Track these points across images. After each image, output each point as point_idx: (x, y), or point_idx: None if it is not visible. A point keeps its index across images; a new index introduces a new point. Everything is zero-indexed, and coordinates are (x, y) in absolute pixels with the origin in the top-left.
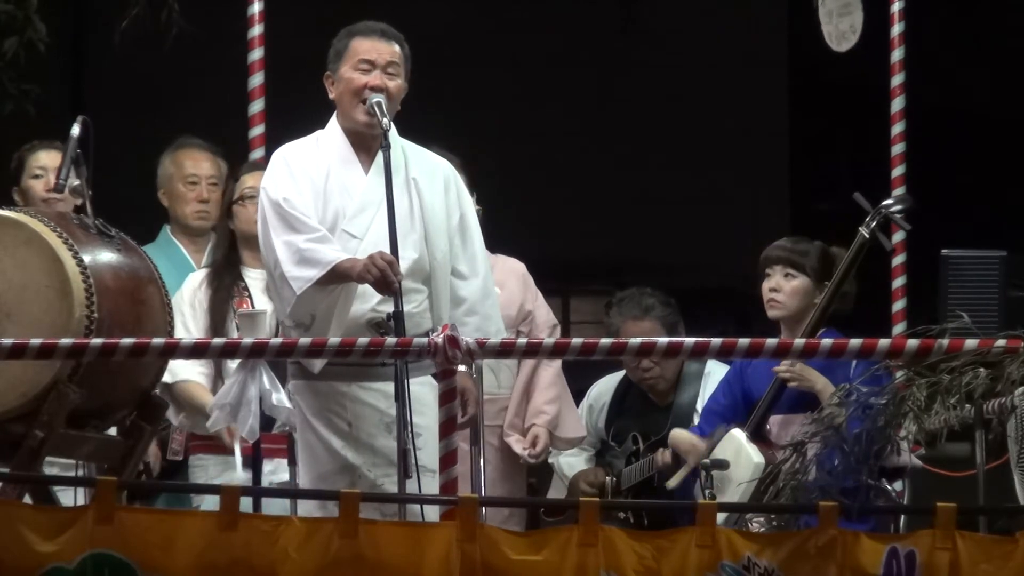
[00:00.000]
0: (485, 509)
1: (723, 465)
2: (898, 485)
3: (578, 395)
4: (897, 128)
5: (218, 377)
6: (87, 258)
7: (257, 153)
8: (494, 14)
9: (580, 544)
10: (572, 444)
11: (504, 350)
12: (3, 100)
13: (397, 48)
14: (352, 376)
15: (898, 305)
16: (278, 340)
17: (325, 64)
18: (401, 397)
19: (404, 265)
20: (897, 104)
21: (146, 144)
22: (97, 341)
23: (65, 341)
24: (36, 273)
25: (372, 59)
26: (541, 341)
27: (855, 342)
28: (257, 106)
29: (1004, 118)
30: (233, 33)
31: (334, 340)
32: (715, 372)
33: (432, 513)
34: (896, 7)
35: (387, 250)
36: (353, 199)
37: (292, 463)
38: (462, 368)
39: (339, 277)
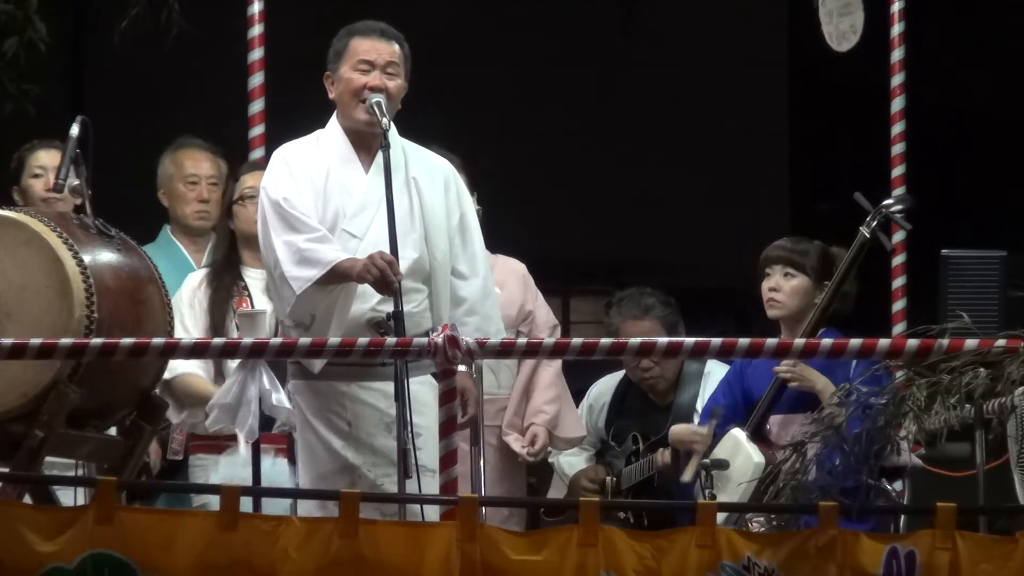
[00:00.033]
0: (485, 509)
1: (723, 465)
2: (898, 485)
3: (578, 395)
4: (897, 128)
5: (218, 376)
6: (87, 258)
7: (257, 153)
8: (494, 14)
9: (580, 544)
10: (571, 444)
11: (504, 350)
12: (3, 100)
13: (396, 48)
14: (352, 376)
15: (898, 305)
16: (278, 340)
17: (325, 64)
18: (401, 397)
19: (404, 265)
20: (897, 104)
21: (146, 144)
22: (97, 341)
23: (65, 341)
24: (36, 273)
25: (371, 59)
26: (541, 341)
27: (855, 342)
28: (257, 106)
29: (1004, 118)
30: (233, 33)
31: (334, 340)
32: (715, 372)
33: (432, 513)
34: (896, 7)
35: (387, 250)
36: (353, 198)
37: (292, 463)
38: (462, 368)
39: (339, 277)
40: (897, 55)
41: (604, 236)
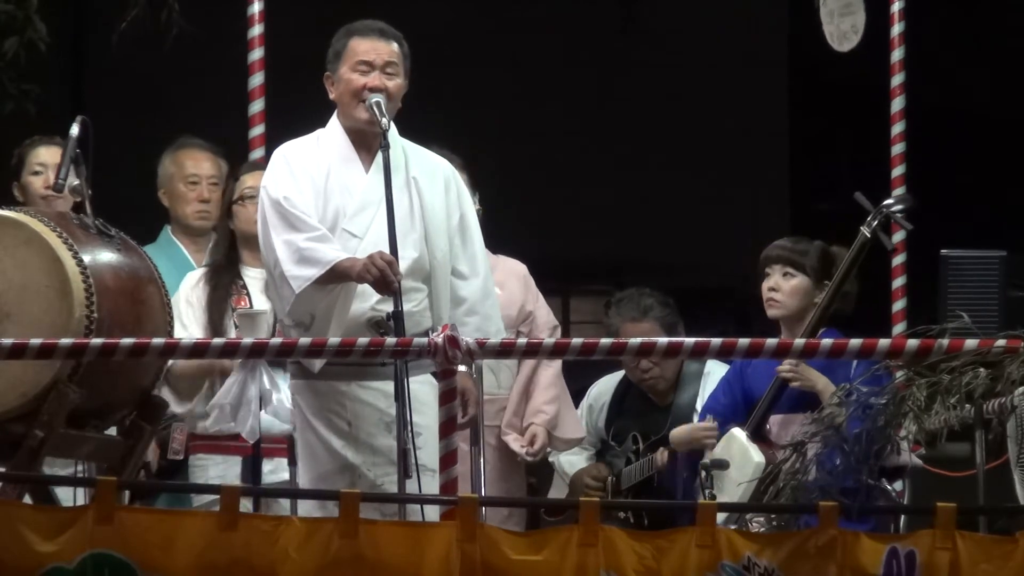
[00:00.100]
0: (485, 509)
1: (723, 465)
2: (898, 485)
3: (578, 395)
4: (897, 128)
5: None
6: (87, 258)
7: (257, 153)
8: (494, 14)
9: (580, 544)
10: (571, 445)
11: (504, 350)
12: (3, 100)
13: (396, 47)
14: (352, 375)
15: (898, 305)
16: (278, 340)
17: (325, 64)
18: (401, 397)
19: (404, 264)
20: (897, 104)
21: (146, 144)
22: (97, 341)
23: (65, 341)
24: (36, 273)
25: (370, 60)
26: (541, 341)
27: (855, 342)
28: (257, 106)
29: (1004, 118)
30: (233, 33)
31: (334, 340)
32: (715, 372)
33: (432, 513)
34: (896, 7)
35: (387, 249)
36: (353, 198)
37: (292, 463)
38: (462, 368)
39: (339, 276)
40: (897, 55)
41: (604, 236)
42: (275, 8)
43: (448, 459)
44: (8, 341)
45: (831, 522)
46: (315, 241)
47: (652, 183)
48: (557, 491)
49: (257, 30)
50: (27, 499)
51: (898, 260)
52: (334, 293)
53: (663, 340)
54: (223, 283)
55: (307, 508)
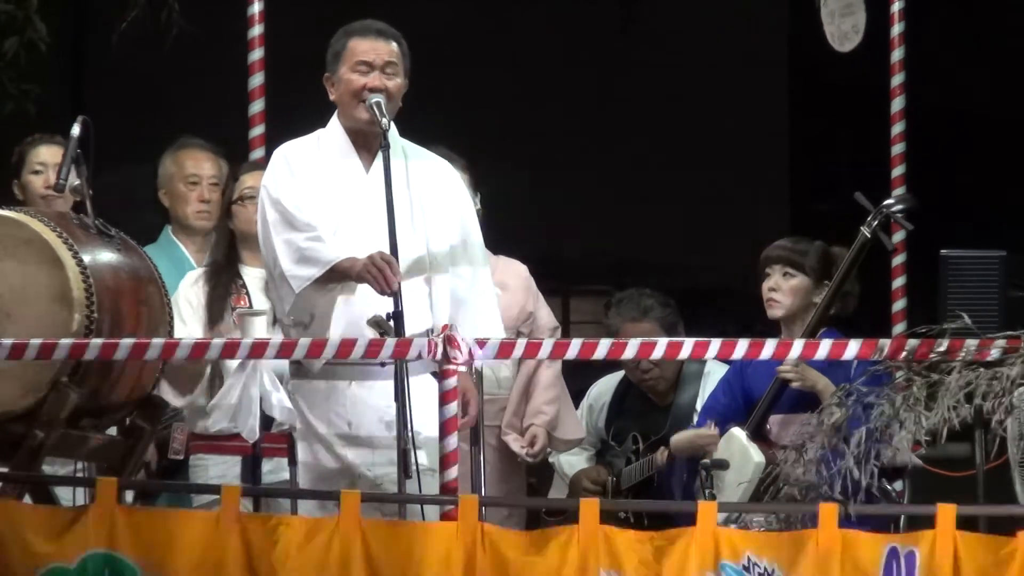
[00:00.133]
0: (485, 509)
1: (723, 465)
2: (898, 485)
3: (578, 395)
4: (897, 128)
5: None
6: (87, 258)
7: (257, 153)
8: (494, 14)
9: (580, 544)
10: (571, 445)
11: (504, 350)
12: (3, 100)
13: (395, 46)
14: (352, 375)
15: (898, 305)
16: (278, 340)
17: (325, 64)
18: (401, 397)
19: (403, 265)
20: (897, 104)
21: (146, 144)
22: (97, 341)
23: (65, 341)
24: (36, 273)
25: (370, 60)
26: (541, 341)
27: (855, 342)
28: (257, 106)
29: (1004, 118)
30: (233, 33)
31: (334, 340)
32: (715, 372)
33: (432, 513)
34: (896, 7)
35: (387, 249)
36: (353, 198)
37: (292, 463)
38: (462, 369)
39: (338, 276)
40: (897, 55)
41: (604, 236)
42: (275, 8)
43: (448, 459)
44: (8, 341)
45: (831, 522)
46: (315, 241)
47: (652, 183)
48: (557, 491)
49: (257, 30)
50: (27, 499)
51: (898, 260)
52: (334, 293)
53: (663, 340)
54: (222, 282)
55: (307, 508)
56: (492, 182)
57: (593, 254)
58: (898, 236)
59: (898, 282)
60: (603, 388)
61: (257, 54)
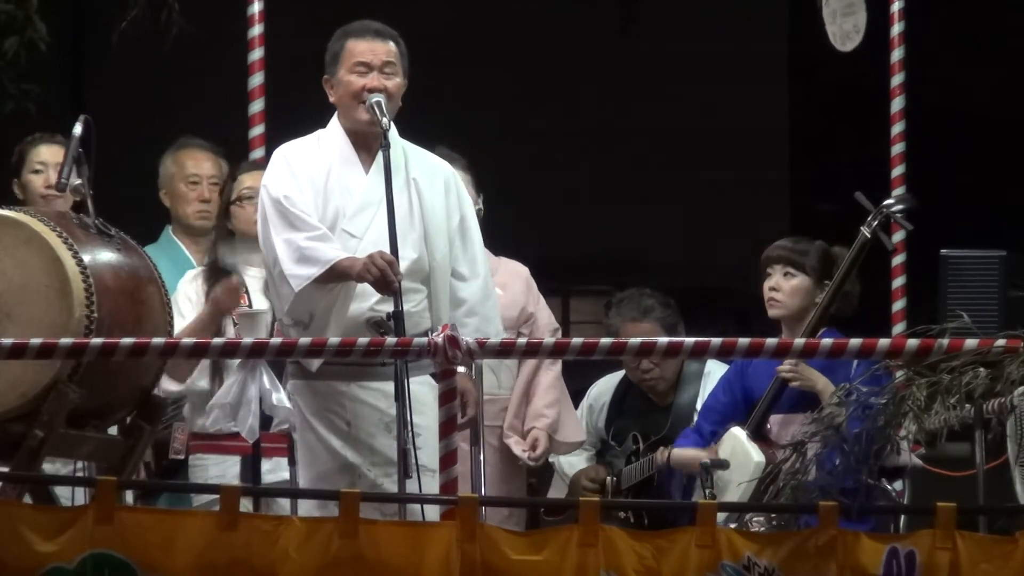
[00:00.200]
0: (485, 509)
1: (723, 465)
2: (898, 485)
3: (578, 395)
4: (897, 128)
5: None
6: (87, 258)
7: (257, 153)
8: (494, 14)
9: (580, 544)
10: (571, 448)
11: (504, 350)
12: (3, 100)
13: (393, 46)
14: (351, 376)
15: (898, 305)
16: (278, 340)
17: (324, 64)
18: (401, 397)
19: (403, 265)
20: (897, 104)
21: (146, 144)
22: (97, 341)
23: (65, 341)
24: (36, 273)
25: (368, 60)
26: (541, 341)
27: (855, 342)
28: (257, 106)
29: (1004, 118)
30: (233, 33)
31: (334, 340)
32: (715, 372)
33: (432, 513)
34: (896, 7)
35: (386, 250)
36: (353, 198)
37: (292, 463)
38: (461, 369)
39: (338, 276)
40: (897, 55)
41: (604, 236)
42: (275, 8)
43: (448, 459)
44: (8, 341)
45: (831, 522)
46: (315, 240)
47: (652, 183)
48: (557, 491)
49: (257, 30)
50: (27, 499)
51: (898, 260)
52: (333, 292)
53: (663, 340)
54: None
55: (307, 508)
56: (492, 182)
57: (593, 254)
58: (898, 236)
59: (898, 282)
60: (603, 388)
61: (257, 54)
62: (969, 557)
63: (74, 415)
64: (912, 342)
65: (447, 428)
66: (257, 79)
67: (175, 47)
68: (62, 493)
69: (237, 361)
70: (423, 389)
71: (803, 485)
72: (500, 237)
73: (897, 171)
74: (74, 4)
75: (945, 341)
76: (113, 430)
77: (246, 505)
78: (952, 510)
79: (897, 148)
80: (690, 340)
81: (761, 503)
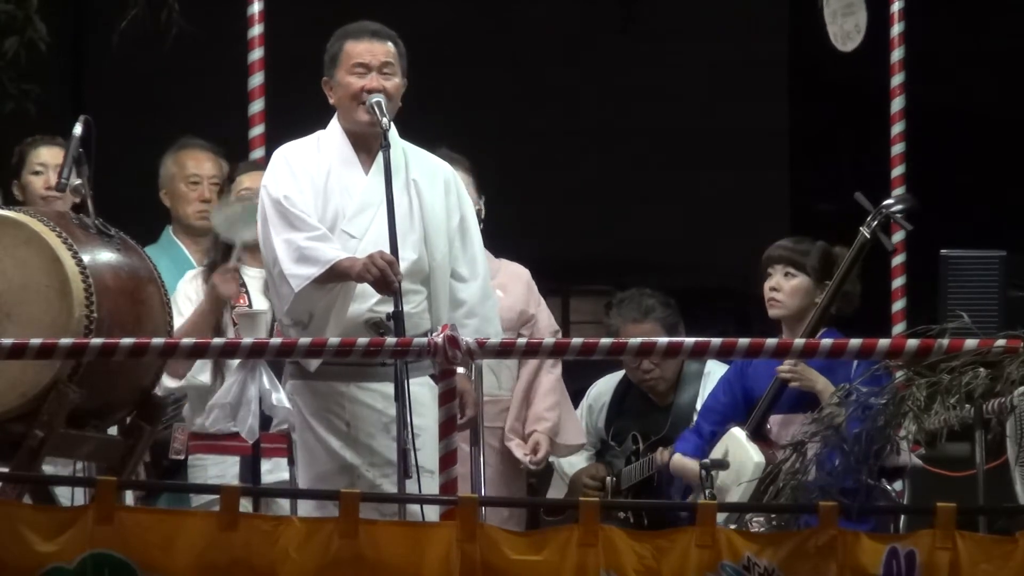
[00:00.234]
0: (485, 509)
1: (723, 465)
2: (898, 485)
3: (578, 395)
4: (897, 128)
5: (218, 375)
6: (87, 258)
7: (257, 153)
8: (494, 14)
9: (580, 544)
10: (572, 451)
11: (504, 350)
12: (3, 100)
13: (391, 46)
14: (350, 376)
15: (898, 305)
16: (278, 340)
17: (323, 66)
18: (401, 397)
19: (403, 266)
20: (897, 104)
21: (146, 144)
22: (97, 341)
23: (65, 341)
24: (36, 273)
25: (366, 61)
26: (541, 341)
27: (855, 342)
28: (257, 106)
29: (1004, 118)
30: (233, 33)
31: (334, 340)
32: (715, 372)
33: (432, 513)
34: (896, 7)
35: (387, 249)
36: (353, 199)
37: (292, 463)
38: (460, 370)
39: (338, 276)
40: (897, 55)
41: (604, 236)
42: (275, 8)
43: (448, 459)
44: (8, 341)
45: (831, 522)
46: (315, 240)
47: (652, 183)
48: (557, 491)
49: (257, 30)
50: (27, 499)
51: (898, 260)
52: (333, 292)
53: (663, 340)
54: None
55: (306, 508)
56: (492, 182)
57: (593, 254)
58: (898, 236)
59: (898, 282)
60: (603, 388)
61: (257, 54)
62: (969, 557)
63: (74, 415)
64: (912, 342)
65: (447, 428)
66: (257, 79)
67: (175, 47)
68: (62, 493)
69: (237, 361)
70: (422, 390)
71: (803, 485)
72: (500, 237)
73: (897, 171)
74: (74, 4)
75: (945, 341)
76: (113, 430)
77: (245, 505)
78: (952, 510)
79: (897, 148)
80: (690, 340)
81: (761, 503)
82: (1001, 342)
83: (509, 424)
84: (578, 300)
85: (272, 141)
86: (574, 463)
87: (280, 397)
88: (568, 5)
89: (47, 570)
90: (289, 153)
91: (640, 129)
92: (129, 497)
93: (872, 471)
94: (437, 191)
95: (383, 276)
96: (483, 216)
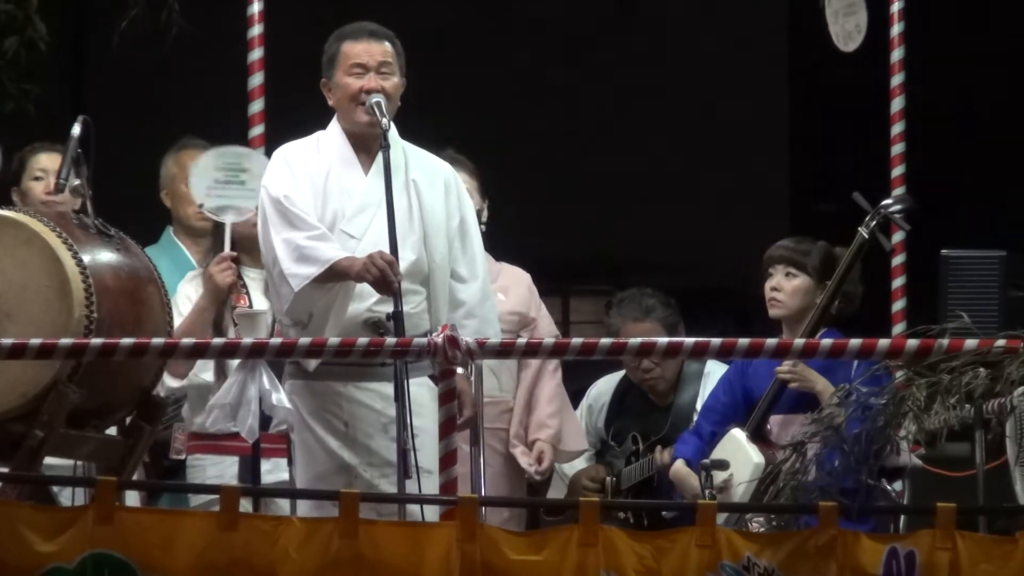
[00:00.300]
0: (485, 509)
1: (723, 465)
2: (898, 485)
3: (578, 395)
4: (897, 128)
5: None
6: (87, 258)
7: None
8: (494, 14)
9: (580, 544)
10: (573, 457)
11: (504, 350)
12: (3, 100)
13: (388, 46)
14: (349, 376)
15: (898, 305)
16: (278, 340)
17: (322, 67)
18: (401, 397)
19: (403, 266)
20: (897, 104)
21: (146, 144)
22: (97, 341)
23: (65, 341)
24: (36, 273)
25: (364, 62)
26: (540, 341)
27: (855, 342)
28: (257, 106)
29: (1004, 118)
30: (233, 33)
31: (334, 340)
32: (715, 372)
33: (432, 513)
34: (896, 7)
35: (387, 249)
36: (353, 199)
37: (291, 463)
38: (458, 371)
39: (338, 275)
40: (897, 55)
41: (604, 236)
42: (275, 8)
43: (448, 460)
44: (8, 341)
45: (831, 522)
46: (315, 239)
47: (652, 182)
48: (557, 491)
49: (257, 30)
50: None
51: (898, 260)
52: (333, 292)
53: (663, 340)
54: None
55: (305, 508)
56: (492, 182)
57: (593, 254)
58: (898, 236)
59: (898, 282)
60: (603, 388)
61: (257, 54)
62: (969, 557)
63: (74, 415)
64: (912, 342)
65: (446, 428)
66: (257, 79)
67: (175, 47)
68: (62, 493)
69: (237, 361)
70: (421, 391)
71: (803, 485)
72: (500, 237)
73: (897, 171)
74: (74, 4)
75: (945, 341)
76: (113, 430)
77: (245, 505)
78: (952, 510)
79: (897, 148)
80: (690, 340)
81: (761, 503)
82: (1001, 342)
83: (513, 431)
84: (578, 300)
85: (272, 141)
86: (574, 464)
87: (280, 397)
88: (567, 4)
89: (47, 570)
90: (289, 153)
91: (640, 129)
92: (135, 498)
93: (872, 471)
94: (437, 191)
95: (383, 276)
96: (484, 219)
